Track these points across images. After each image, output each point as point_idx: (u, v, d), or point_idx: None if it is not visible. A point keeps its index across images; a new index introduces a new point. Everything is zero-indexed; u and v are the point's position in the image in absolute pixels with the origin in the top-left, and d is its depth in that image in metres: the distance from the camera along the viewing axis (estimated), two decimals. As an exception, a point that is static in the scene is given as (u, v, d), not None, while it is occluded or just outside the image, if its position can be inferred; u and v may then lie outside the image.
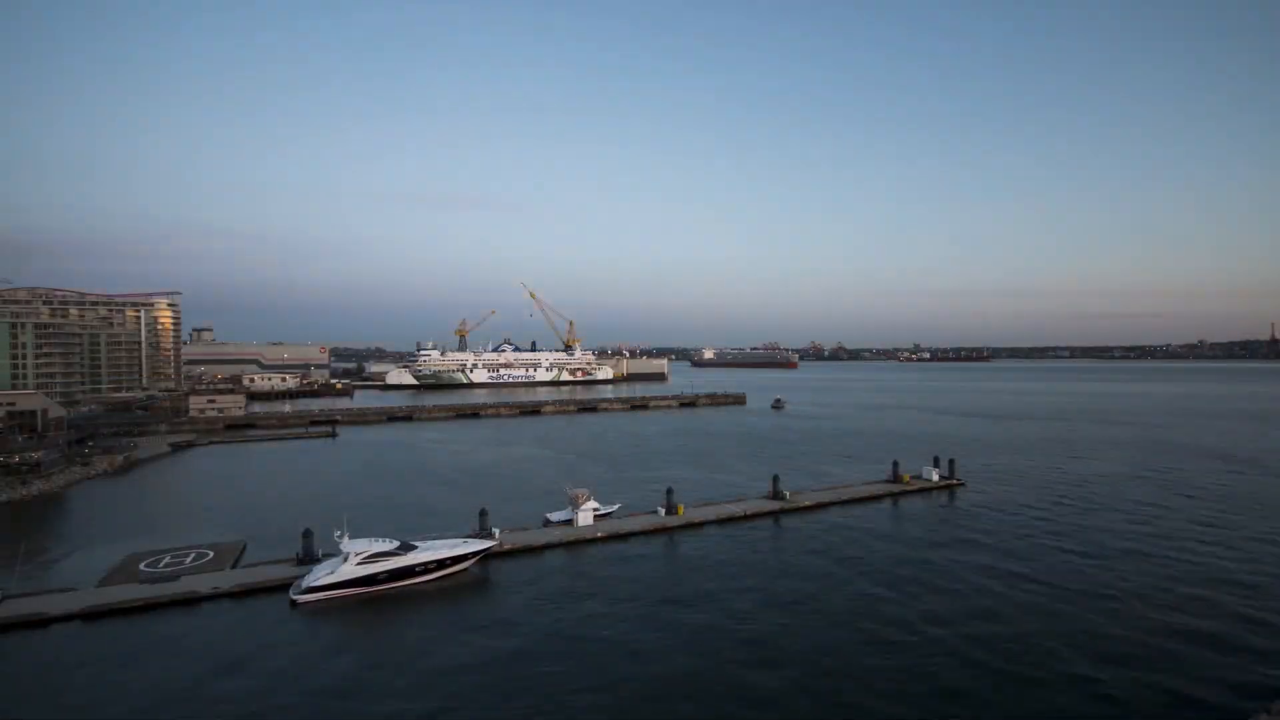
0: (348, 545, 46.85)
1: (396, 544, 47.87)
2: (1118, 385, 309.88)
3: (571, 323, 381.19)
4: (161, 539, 58.63)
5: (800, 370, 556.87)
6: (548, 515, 64.09)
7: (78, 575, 49.26)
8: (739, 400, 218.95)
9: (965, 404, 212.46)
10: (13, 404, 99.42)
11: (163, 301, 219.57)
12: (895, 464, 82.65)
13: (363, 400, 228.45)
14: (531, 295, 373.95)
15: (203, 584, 46.36)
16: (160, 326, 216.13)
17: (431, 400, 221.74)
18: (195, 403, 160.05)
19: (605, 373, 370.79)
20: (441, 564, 48.71)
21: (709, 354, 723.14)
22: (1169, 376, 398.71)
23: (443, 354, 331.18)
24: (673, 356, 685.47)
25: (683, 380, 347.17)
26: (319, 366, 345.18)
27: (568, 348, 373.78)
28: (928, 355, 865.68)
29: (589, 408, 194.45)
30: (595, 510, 63.62)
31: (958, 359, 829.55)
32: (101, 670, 35.21)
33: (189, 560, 51.81)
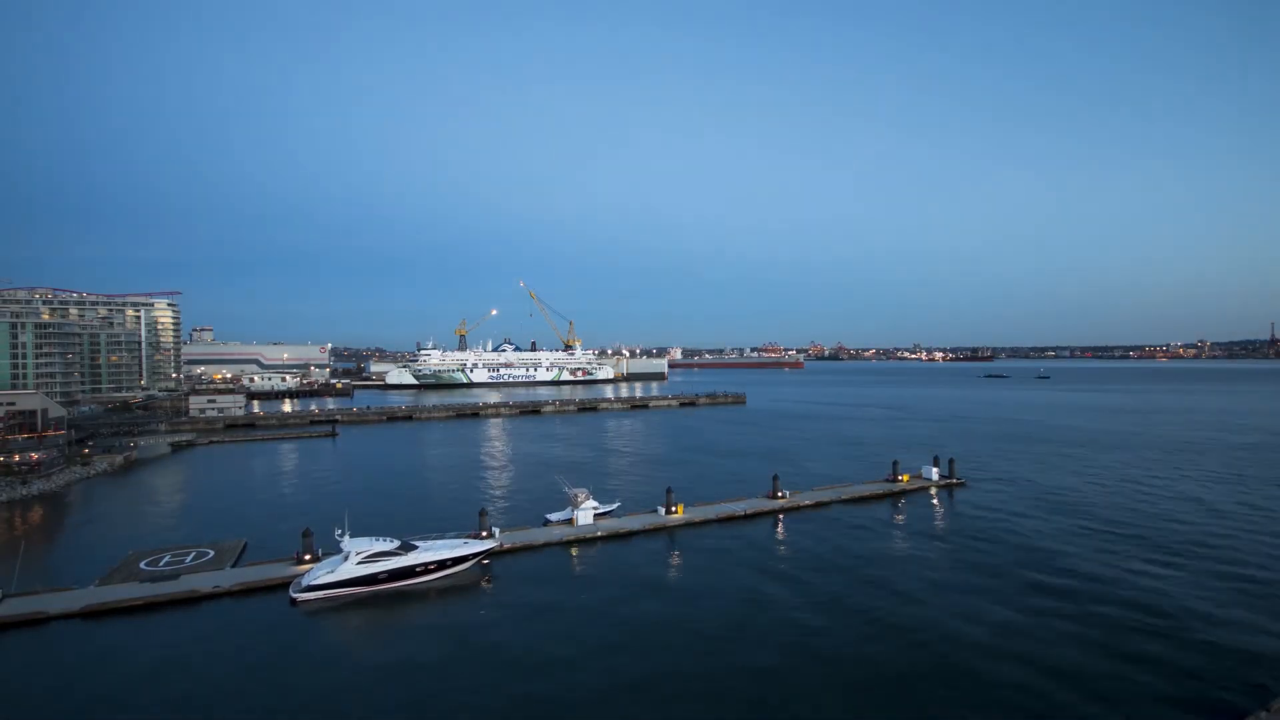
0: (348, 544, 46.98)
1: (397, 543, 47.91)
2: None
3: (571, 323, 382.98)
4: (162, 538, 58.78)
5: (807, 372, 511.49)
6: (548, 515, 64.19)
7: (78, 574, 49.28)
8: (739, 400, 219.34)
9: (970, 403, 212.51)
10: (13, 404, 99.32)
11: (163, 301, 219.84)
12: (895, 464, 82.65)
13: (363, 400, 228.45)
14: (532, 295, 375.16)
15: (203, 583, 46.42)
16: (160, 326, 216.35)
17: (431, 400, 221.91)
18: (195, 403, 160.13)
19: (605, 373, 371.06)
20: (442, 564, 48.73)
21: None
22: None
23: (443, 354, 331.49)
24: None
25: (681, 381, 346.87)
26: (319, 366, 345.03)
27: (568, 347, 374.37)
28: (940, 356, 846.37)
29: (589, 407, 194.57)
30: (595, 510, 63.69)
31: (959, 359, 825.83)
32: (102, 669, 35.22)
33: (189, 559, 51.88)
